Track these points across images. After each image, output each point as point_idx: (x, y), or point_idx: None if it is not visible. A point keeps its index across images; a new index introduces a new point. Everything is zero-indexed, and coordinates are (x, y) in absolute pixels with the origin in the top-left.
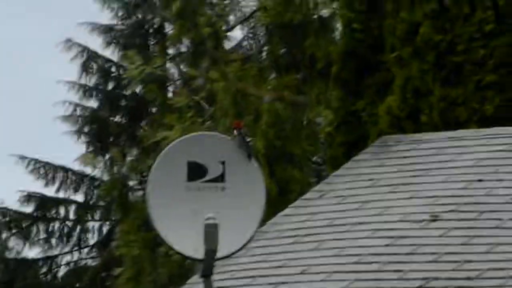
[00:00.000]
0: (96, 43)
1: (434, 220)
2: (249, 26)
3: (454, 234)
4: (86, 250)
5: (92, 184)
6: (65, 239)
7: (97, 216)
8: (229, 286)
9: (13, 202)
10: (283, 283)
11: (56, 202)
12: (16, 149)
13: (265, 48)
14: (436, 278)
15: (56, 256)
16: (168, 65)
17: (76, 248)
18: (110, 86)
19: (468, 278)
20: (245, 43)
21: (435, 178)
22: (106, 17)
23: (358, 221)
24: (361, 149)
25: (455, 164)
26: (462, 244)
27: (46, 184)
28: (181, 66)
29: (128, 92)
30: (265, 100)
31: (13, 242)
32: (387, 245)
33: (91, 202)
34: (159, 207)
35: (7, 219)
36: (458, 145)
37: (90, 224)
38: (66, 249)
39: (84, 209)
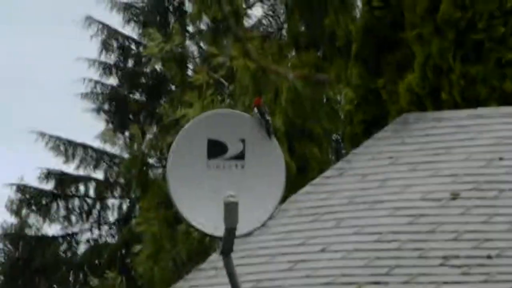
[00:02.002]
0: (116, 20)
1: (454, 198)
2: (269, 4)
3: (475, 212)
4: (105, 227)
5: (112, 162)
6: (84, 216)
7: (117, 194)
8: (248, 264)
9: (32, 179)
10: (302, 261)
11: (76, 179)
12: (36, 126)
13: (285, 25)
14: (457, 256)
15: (76, 233)
16: (188, 42)
17: (95, 225)
18: (130, 63)
19: (489, 256)
20: (265, 21)
21: (455, 156)
22: None
23: (378, 199)
24: (381, 127)
25: (476, 142)
26: (482, 222)
27: (66, 161)
28: (201, 44)
29: (147, 70)
30: (289, 78)
31: (32, 219)
32: (407, 224)
33: (111, 180)
34: (179, 185)
35: (27, 196)
36: (479, 123)
37: (110, 202)
38: (86, 226)
39: (104, 186)
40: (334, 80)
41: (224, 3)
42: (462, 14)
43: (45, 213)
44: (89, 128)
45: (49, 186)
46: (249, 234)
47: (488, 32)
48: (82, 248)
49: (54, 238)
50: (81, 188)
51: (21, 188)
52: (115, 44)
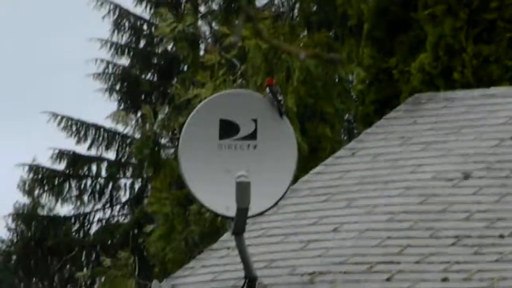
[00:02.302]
0: (127, 0)
1: (466, 178)
2: None
3: (487, 192)
4: (118, 207)
5: (124, 142)
6: (97, 196)
7: (129, 174)
8: (260, 243)
9: (45, 160)
10: (314, 240)
11: (88, 159)
12: (48, 106)
13: (297, 5)
14: (468, 236)
15: (88, 213)
16: (200, 22)
17: (108, 205)
18: (142, 44)
19: (501, 236)
20: (276, 1)
21: (467, 136)
22: None
23: (390, 179)
24: (393, 107)
25: (488, 121)
26: (494, 202)
27: (78, 142)
28: (213, 24)
29: (159, 50)
30: (301, 58)
31: (45, 199)
32: (419, 203)
33: (123, 160)
34: (191, 165)
35: (39, 176)
36: (491, 102)
37: (122, 182)
38: (98, 206)
39: (116, 166)
40: (346, 60)
41: None
42: None
43: (57, 193)
44: (101, 108)
45: (61, 166)
46: (261, 214)
47: (501, 12)
48: (94, 228)
49: (66, 218)
50: (93, 168)
51: (34, 169)
52: (127, 24)
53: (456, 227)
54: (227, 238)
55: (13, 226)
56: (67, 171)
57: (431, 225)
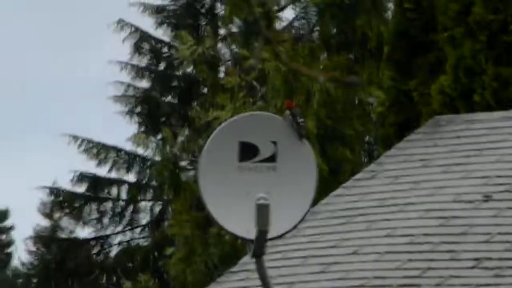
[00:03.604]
0: (148, 23)
1: (486, 200)
2: (301, 6)
3: (507, 214)
4: (138, 230)
5: (144, 164)
6: (117, 219)
7: (149, 196)
8: (280, 266)
9: (65, 182)
10: (334, 263)
11: (108, 182)
12: (68, 129)
13: (316, 28)
14: (489, 258)
15: (108, 236)
16: (220, 45)
17: (128, 228)
18: (162, 66)
19: None
20: (296, 23)
21: (487, 158)
22: None
23: (410, 201)
24: (413, 129)
25: (508, 143)
26: None
27: (99, 164)
28: (233, 47)
29: (179, 73)
30: (319, 81)
31: (65, 222)
32: (439, 225)
33: (143, 182)
34: (211, 187)
35: (60, 199)
36: (511, 124)
37: (142, 204)
38: (118, 229)
39: (136, 189)
40: (365, 82)
41: (255, 6)
42: (495, 16)
43: (77, 215)
44: (122, 131)
45: (81, 189)
46: (281, 236)
47: None
48: (114, 251)
49: (86, 240)
50: (114, 190)
51: (54, 191)
52: (147, 47)
53: (477, 250)
54: (247, 260)
55: (33, 249)
56: (87, 194)
57: (451, 247)
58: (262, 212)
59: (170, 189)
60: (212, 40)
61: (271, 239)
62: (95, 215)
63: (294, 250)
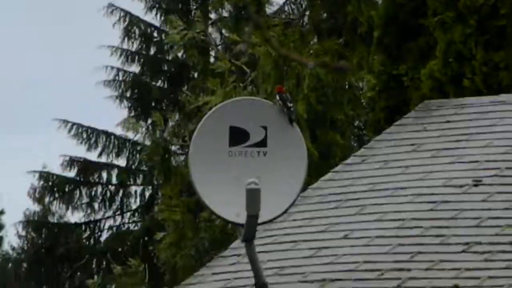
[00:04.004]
0: (138, 8)
1: (476, 185)
2: None
3: (497, 198)
4: (128, 214)
5: (134, 149)
6: (107, 203)
7: (139, 181)
8: (271, 250)
9: (56, 167)
10: (325, 247)
11: (99, 166)
12: (58, 114)
13: (307, 12)
14: (479, 243)
15: (99, 220)
16: (210, 30)
17: (118, 212)
18: (152, 51)
19: (511, 243)
20: (286, 8)
21: (477, 142)
22: None
23: (400, 186)
24: (403, 113)
25: (498, 128)
26: (504, 209)
27: (89, 149)
28: (223, 31)
29: (170, 57)
30: (309, 67)
31: (55, 207)
32: (429, 210)
33: (133, 167)
34: (201, 172)
35: (50, 183)
36: (501, 109)
37: (133, 189)
38: (109, 214)
39: (126, 173)
40: (355, 67)
41: None
42: (485, 1)
43: (68, 200)
44: (112, 115)
45: (71, 173)
46: (271, 220)
47: (511, 18)
48: (105, 236)
49: (77, 225)
50: (104, 175)
51: (44, 176)
52: (137, 32)
53: (467, 234)
54: (237, 245)
55: (23, 233)
56: (78, 178)
57: (441, 232)
58: (253, 197)
59: (160, 174)
60: (202, 24)
61: (261, 223)
62: (85, 199)
63: (284, 234)
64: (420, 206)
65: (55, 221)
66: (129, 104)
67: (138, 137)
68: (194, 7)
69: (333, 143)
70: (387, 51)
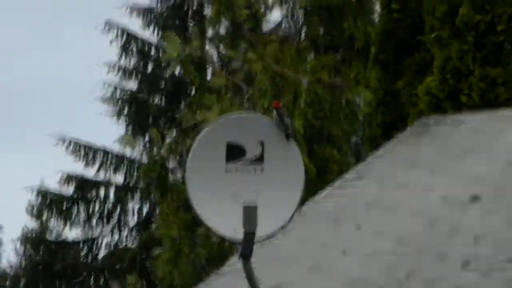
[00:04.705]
0: (135, 24)
1: (474, 201)
2: (288, 7)
3: (495, 215)
4: (126, 231)
5: (132, 166)
6: (105, 220)
7: (136, 197)
8: (268, 267)
9: (53, 183)
10: (322, 264)
11: (96, 183)
12: (56, 130)
13: (304, 28)
14: (477, 260)
15: (96, 238)
16: (207, 46)
17: (116, 229)
18: (149, 67)
19: (510, 260)
20: (284, 24)
21: (475, 159)
22: None
23: (397, 202)
24: (400, 129)
25: (495, 144)
26: (502, 225)
27: (86, 165)
28: (220, 48)
29: (167, 74)
30: (304, 84)
31: (53, 223)
32: (427, 226)
33: (130, 184)
34: (198, 189)
35: (47, 200)
36: (498, 125)
37: (130, 206)
38: (106, 231)
39: (124, 190)
40: (353, 83)
41: (242, 7)
42: (482, 17)
43: (65, 217)
44: (109, 132)
45: (69, 190)
46: (268, 237)
47: (508, 35)
48: (102, 253)
49: (74, 242)
50: (101, 192)
51: (42, 192)
52: (134, 48)
53: (464, 251)
54: (235, 261)
55: (21, 250)
56: (75, 195)
57: (439, 248)
58: (250, 214)
59: (157, 191)
60: (199, 41)
61: (258, 240)
62: (83, 216)
63: (281, 251)
64: (418, 223)
65: (53, 238)
66: (127, 121)
67: (135, 154)
68: (191, 24)
69: (330, 159)
70: (384, 67)
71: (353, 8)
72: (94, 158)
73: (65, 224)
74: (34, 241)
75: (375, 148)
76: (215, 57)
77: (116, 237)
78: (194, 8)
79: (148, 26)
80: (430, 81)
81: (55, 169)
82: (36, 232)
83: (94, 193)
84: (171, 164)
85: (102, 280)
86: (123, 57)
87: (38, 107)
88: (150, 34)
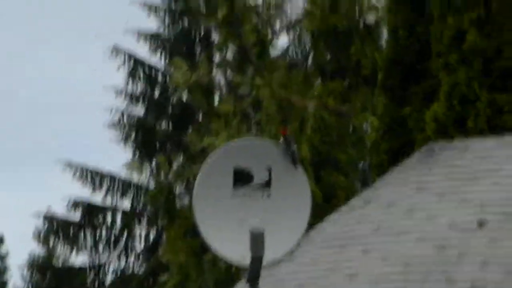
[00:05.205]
0: (142, 50)
1: (481, 227)
2: (295, 33)
3: (502, 240)
4: (133, 257)
5: (139, 191)
6: (112, 246)
7: (143, 223)
8: None
9: (60, 209)
10: None
11: (103, 209)
12: (63, 156)
13: (311, 54)
14: (484, 285)
15: (103, 264)
16: (214, 72)
17: (123, 254)
18: (157, 93)
19: None
20: (291, 49)
21: (482, 184)
22: (152, 24)
23: (404, 228)
24: (407, 155)
25: (503, 170)
26: (510, 251)
27: (93, 191)
28: (227, 73)
29: (174, 99)
30: (310, 108)
31: (60, 249)
32: (434, 252)
33: (137, 209)
34: (206, 214)
35: (54, 226)
36: (505, 151)
37: (137, 231)
38: (113, 256)
39: (130, 216)
40: (360, 109)
41: (249, 33)
42: (489, 43)
43: (72, 242)
44: (116, 157)
45: (76, 215)
46: (275, 262)
47: None
48: (109, 279)
49: (81, 268)
50: (108, 217)
51: (49, 218)
52: (141, 74)
53: (472, 276)
54: (242, 286)
55: (28, 276)
56: (82, 221)
57: (446, 274)
58: (257, 239)
59: (165, 216)
60: (206, 66)
61: (266, 265)
62: (89, 242)
63: (289, 276)
64: (425, 248)
65: (60, 264)
66: (134, 147)
67: (142, 179)
68: (199, 49)
69: (337, 185)
70: (391, 93)
71: (360, 34)
72: (101, 183)
73: (71, 250)
74: (40, 267)
75: (382, 174)
76: (222, 82)
77: (123, 263)
78: (202, 33)
79: (155, 51)
80: (437, 107)
81: (63, 194)
82: (42, 258)
83: (101, 218)
84: (178, 189)
85: None
86: (130, 83)
87: (46, 133)
88: (157, 60)
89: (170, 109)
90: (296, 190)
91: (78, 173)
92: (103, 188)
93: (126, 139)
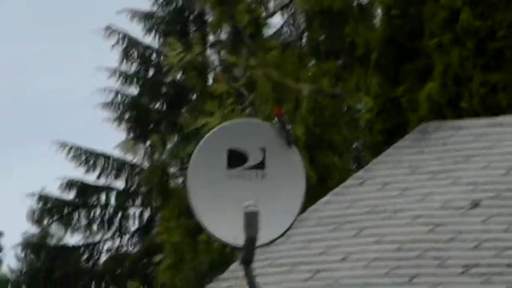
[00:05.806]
0: (136, 30)
1: (474, 207)
2: (289, 13)
3: (495, 220)
4: (127, 237)
5: (133, 171)
6: (106, 226)
7: (138, 203)
8: (269, 273)
9: (54, 189)
10: (323, 270)
11: (97, 189)
12: (57, 136)
13: (305, 34)
14: (477, 265)
15: (97, 243)
16: (208, 52)
17: (117, 235)
18: (151, 73)
19: (509, 265)
20: (285, 29)
21: (475, 164)
22: (146, 4)
23: (398, 208)
24: (401, 136)
25: (496, 150)
26: (503, 231)
27: (87, 171)
28: (221, 53)
29: (168, 79)
30: (304, 93)
31: (54, 229)
32: (427, 232)
33: (131, 189)
34: (200, 194)
35: (48, 206)
36: (499, 131)
37: (131, 211)
38: (107, 236)
39: (125, 196)
40: (354, 89)
41: (243, 13)
42: (482, 23)
43: (66, 222)
44: (110, 137)
45: (70, 195)
46: (269, 243)
47: (508, 41)
48: (103, 258)
49: (75, 248)
50: (102, 197)
51: (43, 198)
52: (135, 54)
53: (465, 256)
54: (236, 267)
55: (22, 256)
56: (76, 201)
57: (439, 254)
58: (251, 220)
59: (159, 196)
60: (200, 46)
61: (260, 246)
62: (84, 222)
63: (282, 257)
64: (419, 228)
65: (54, 243)
66: (128, 127)
67: (136, 159)
68: (193, 29)
69: (331, 165)
70: (385, 73)
71: (354, 14)
72: (95, 163)
73: (66, 230)
74: (35, 246)
75: (376, 155)
76: (216, 62)
77: (117, 242)
78: (195, 13)
79: (149, 31)
80: (431, 87)
81: (56, 175)
82: (37, 237)
83: (95, 198)
84: (173, 169)
85: (103, 286)
86: (124, 63)
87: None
88: (151, 40)
89: (164, 89)
90: (290, 171)
91: (71, 153)
92: (97, 168)
93: (119, 119)
